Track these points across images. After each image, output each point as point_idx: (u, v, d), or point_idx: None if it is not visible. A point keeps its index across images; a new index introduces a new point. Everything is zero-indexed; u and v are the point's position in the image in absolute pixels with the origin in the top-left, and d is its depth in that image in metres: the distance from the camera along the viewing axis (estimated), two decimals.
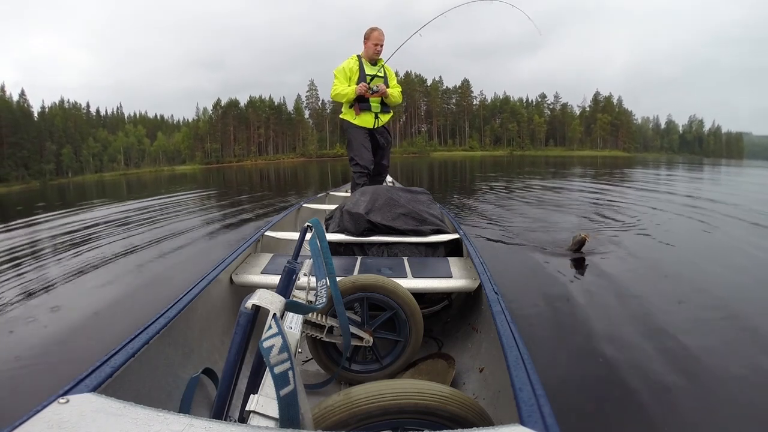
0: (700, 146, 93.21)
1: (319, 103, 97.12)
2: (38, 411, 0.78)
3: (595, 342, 2.48)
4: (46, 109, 79.33)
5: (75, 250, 5.56)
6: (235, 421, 0.97)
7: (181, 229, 6.79)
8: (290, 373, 0.77)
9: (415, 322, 1.75)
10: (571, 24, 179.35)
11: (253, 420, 0.79)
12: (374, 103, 3.97)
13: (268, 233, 2.76)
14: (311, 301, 1.22)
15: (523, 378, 1.02)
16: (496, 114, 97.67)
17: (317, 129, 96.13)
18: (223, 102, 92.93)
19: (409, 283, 1.97)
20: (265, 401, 0.81)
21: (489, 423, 1.01)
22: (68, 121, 79.62)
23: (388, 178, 5.10)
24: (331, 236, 2.63)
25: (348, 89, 3.84)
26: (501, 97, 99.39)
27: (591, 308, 2.97)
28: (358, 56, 3.97)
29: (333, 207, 3.54)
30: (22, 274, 4.48)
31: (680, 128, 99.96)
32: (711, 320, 2.83)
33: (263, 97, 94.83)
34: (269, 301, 0.96)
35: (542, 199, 9.30)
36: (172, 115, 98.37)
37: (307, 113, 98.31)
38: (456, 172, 23.93)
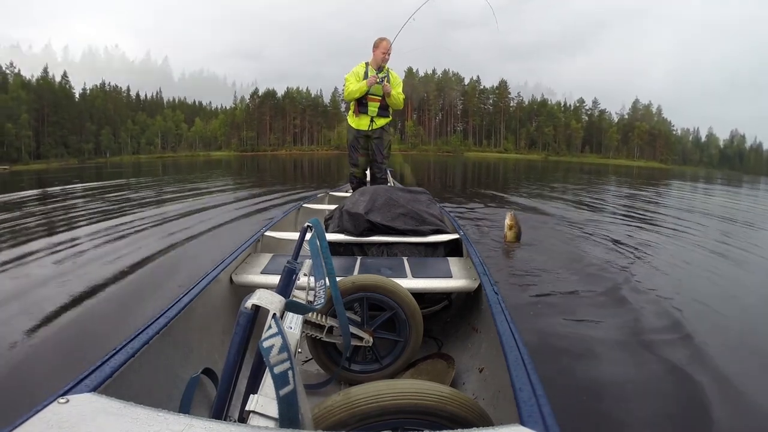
0: (740, 162, 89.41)
1: None
2: (38, 411, 0.78)
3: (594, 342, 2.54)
4: (87, 91, 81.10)
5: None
6: (235, 421, 0.98)
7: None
8: (290, 373, 0.76)
9: (415, 322, 1.75)
10: (614, 27, 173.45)
11: (253, 420, 0.80)
12: (372, 107, 4.37)
13: (268, 233, 2.77)
14: (311, 301, 1.22)
15: (523, 378, 1.02)
16: (532, 116, 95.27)
17: None
18: (261, 92, 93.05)
19: (409, 283, 1.97)
20: (264, 401, 0.81)
21: (489, 423, 1.00)
22: (108, 103, 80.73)
23: (390, 180, 5.11)
24: (331, 236, 2.63)
25: (360, 84, 4.23)
26: (538, 99, 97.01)
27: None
28: (366, 63, 4.36)
29: (333, 207, 3.52)
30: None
31: (721, 142, 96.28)
32: (712, 317, 2.91)
33: (300, 89, 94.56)
34: (269, 301, 0.97)
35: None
36: (210, 102, 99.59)
37: (343, 106, 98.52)
38: (489, 174, 23.50)
